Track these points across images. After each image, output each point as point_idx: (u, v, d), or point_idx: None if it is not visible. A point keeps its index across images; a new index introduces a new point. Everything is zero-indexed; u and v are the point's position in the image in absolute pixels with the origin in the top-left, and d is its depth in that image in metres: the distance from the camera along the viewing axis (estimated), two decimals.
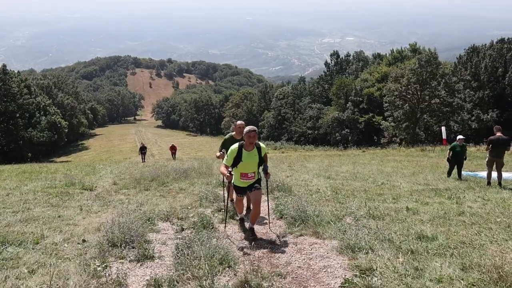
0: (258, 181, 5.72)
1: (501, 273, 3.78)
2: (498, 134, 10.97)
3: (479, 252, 4.60)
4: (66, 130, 64.65)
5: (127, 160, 34.76)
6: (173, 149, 32.17)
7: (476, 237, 5.29)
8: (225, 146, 6.60)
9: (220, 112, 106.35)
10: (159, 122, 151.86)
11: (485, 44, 44.13)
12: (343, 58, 66.32)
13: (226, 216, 6.37)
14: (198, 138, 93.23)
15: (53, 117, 58.03)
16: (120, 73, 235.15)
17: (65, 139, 67.78)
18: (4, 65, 47.31)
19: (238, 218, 6.38)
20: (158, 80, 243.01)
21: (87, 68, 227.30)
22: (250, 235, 5.57)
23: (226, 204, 6.43)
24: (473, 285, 3.66)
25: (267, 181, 5.85)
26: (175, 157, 31.13)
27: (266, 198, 6.80)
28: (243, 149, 5.46)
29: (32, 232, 5.66)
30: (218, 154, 6.98)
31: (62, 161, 43.69)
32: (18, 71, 59.95)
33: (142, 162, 25.55)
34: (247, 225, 5.99)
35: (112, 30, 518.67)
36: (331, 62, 66.05)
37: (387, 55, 58.19)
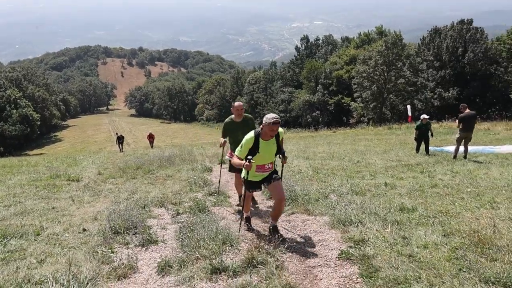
0: (275, 171, 4.98)
1: (480, 236, 4.10)
2: (467, 111, 11.38)
3: (456, 220, 4.90)
4: (39, 123, 62.95)
5: (103, 150, 34.26)
6: (150, 137, 31.09)
7: (452, 207, 5.61)
8: (227, 131, 6.22)
9: (194, 99, 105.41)
10: (133, 111, 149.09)
11: (446, 26, 45.05)
12: (313, 42, 66.56)
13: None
14: (172, 125, 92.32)
15: (24, 110, 56.28)
16: (91, 63, 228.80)
17: (38, 131, 66.05)
18: None
19: (244, 216, 5.33)
20: (130, 69, 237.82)
21: (56, 59, 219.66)
22: (274, 234, 4.73)
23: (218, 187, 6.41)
24: (457, 248, 3.95)
25: (282, 166, 5.22)
26: (153, 145, 30.22)
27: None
28: (260, 138, 4.57)
29: (31, 224, 5.64)
30: (221, 140, 6.41)
31: (36, 154, 42.63)
32: None
33: (120, 151, 25.20)
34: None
35: (79, 20, 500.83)
36: (302, 46, 66.21)
37: (355, 38, 58.78)
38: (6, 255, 4.46)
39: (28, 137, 60.48)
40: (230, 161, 5.88)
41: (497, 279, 3.26)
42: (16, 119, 50.92)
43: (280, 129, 4.70)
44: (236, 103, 6.25)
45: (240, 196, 6.26)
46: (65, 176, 10.15)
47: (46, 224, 5.65)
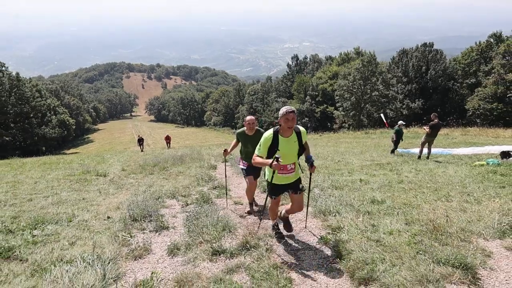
0: (299, 179, 4.06)
1: (434, 225, 4.12)
2: (436, 120, 11.37)
3: (417, 211, 4.91)
4: (74, 127, 62.84)
5: (127, 149, 34.15)
6: (167, 139, 30.46)
7: (414, 199, 5.61)
8: (239, 138, 5.44)
9: (203, 107, 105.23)
10: (152, 117, 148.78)
11: (412, 47, 45.24)
12: (302, 60, 66.47)
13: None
14: (185, 129, 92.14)
15: (62, 116, 56.20)
16: (117, 77, 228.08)
17: (73, 134, 65.84)
18: (17, 73, 45.18)
19: (274, 233, 4.27)
20: (149, 82, 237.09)
21: (88, 73, 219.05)
22: (274, 231, 4.26)
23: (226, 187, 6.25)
24: (416, 234, 3.97)
25: (310, 175, 4.20)
26: (169, 146, 29.72)
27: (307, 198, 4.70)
28: (279, 135, 3.76)
29: (64, 212, 5.65)
30: (233, 142, 5.55)
31: (72, 153, 42.56)
32: (30, 78, 57.44)
33: (141, 151, 25.12)
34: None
35: (106, 40, 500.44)
36: (292, 64, 66.11)
37: (337, 57, 58.69)
38: (44, 238, 4.48)
39: (65, 139, 60.36)
40: (243, 169, 5.43)
41: (447, 260, 3.29)
42: (55, 123, 50.80)
43: (302, 128, 3.93)
44: (248, 118, 5.29)
45: (250, 204, 5.60)
46: (95, 172, 10.14)
47: (77, 212, 5.67)
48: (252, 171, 5.34)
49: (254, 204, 5.69)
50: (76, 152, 42.84)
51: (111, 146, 52.99)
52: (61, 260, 3.71)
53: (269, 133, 3.82)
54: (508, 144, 15.43)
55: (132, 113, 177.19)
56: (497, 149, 12.83)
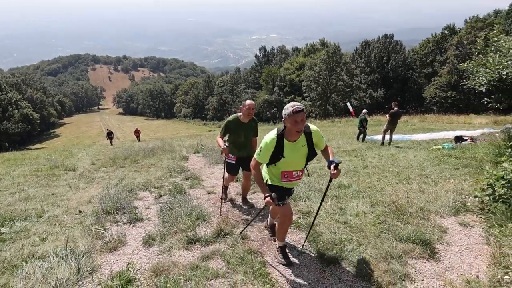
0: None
1: (397, 205, 4.33)
2: (396, 108, 11.74)
3: (380, 193, 5.13)
4: (38, 121, 59.76)
5: (96, 143, 32.94)
6: (137, 132, 29.04)
7: (378, 183, 5.84)
8: (229, 130, 4.66)
9: (172, 99, 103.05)
10: (120, 110, 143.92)
11: (374, 39, 46.40)
12: (269, 51, 66.46)
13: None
14: (155, 121, 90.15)
15: (25, 110, 53.24)
16: (82, 69, 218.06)
17: (38, 129, 62.59)
18: None
19: (277, 245, 3.44)
20: (116, 74, 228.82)
21: (51, 66, 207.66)
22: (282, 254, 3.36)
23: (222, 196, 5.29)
24: (380, 215, 4.16)
25: (330, 180, 3.24)
26: (139, 139, 28.04)
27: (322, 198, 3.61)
28: (284, 139, 2.97)
29: (33, 209, 5.41)
30: (220, 141, 4.64)
31: (38, 148, 40.52)
32: None
33: (111, 145, 24.27)
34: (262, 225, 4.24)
35: (70, 32, 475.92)
36: (260, 55, 65.98)
37: (303, 48, 59.22)
38: (13, 235, 4.29)
39: (30, 134, 57.34)
40: (230, 164, 4.86)
41: (408, 238, 3.48)
42: (18, 118, 48.12)
43: (313, 127, 3.11)
44: (248, 102, 4.59)
45: (225, 188, 5.35)
46: (63, 167, 9.73)
47: (47, 208, 5.45)
48: (241, 164, 4.85)
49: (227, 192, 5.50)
50: (42, 147, 40.81)
51: (79, 140, 50.99)
52: (33, 256, 3.58)
53: (271, 136, 2.97)
54: (461, 129, 16.32)
55: (100, 106, 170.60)
56: (452, 134, 13.54)
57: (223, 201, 5.24)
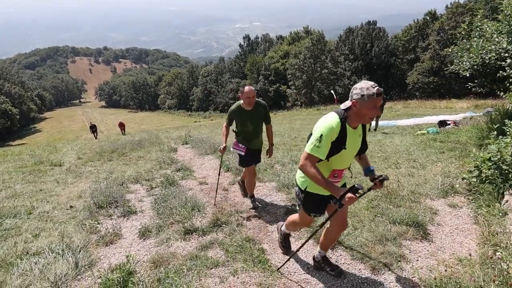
0: (344, 185, 2.85)
1: (388, 189, 4.43)
2: None
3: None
4: (18, 116, 58.07)
5: (80, 138, 32.29)
6: (121, 125, 27.89)
7: None
8: (234, 117, 4.20)
9: (156, 90, 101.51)
10: (103, 103, 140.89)
11: (357, 26, 46.54)
12: (253, 40, 66.04)
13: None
14: (139, 114, 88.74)
15: (3, 106, 51.62)
16: (61, 62, 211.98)
17: (18, 124, 60.84)
18: None
19: (283, 232, 3.30)
20: (97, 66, 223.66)
21: (28, 59, 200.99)
22: (325, 265, 2.93)
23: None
24: (373, 200, 4.25)
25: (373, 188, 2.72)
26: (124, 132, 27.17)
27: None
28: (347, 125, 2.37)
29: (22, 205, 5.30)
30: (223, 137, 4.28)
31: (18, 144, 39.47)
32: None
33: (95, 138, 23.70)
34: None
35: (47, 23, 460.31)
36: (244, 44, 65.48)
37: (287, 36, 59.00)
38: (4, 232, 4.21)
39: (9, 130, 55.70)
40: (240, 155, 4.33)
41: (402, 220, 3.58)
42: None
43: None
44: (247, 88, 4.01)
45: (252, 197, 4.65)
46: (48, 162, 9.51)
47: (36, 204, 5.34)
48: (252, 158, 4.36)
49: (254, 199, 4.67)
50: (23, 143, 39.71)
51: (61, 135, 49.85)
52: (27, 253, 3.53)
53: (334, 120, 2.33)
54: (444, 114, 16.67)
55: (81, 100, 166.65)
56: (435, 119, 13.83)
57: (250, 199, 4.66)
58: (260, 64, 53.81)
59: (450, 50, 8.13)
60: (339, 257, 3.15)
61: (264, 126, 4.37)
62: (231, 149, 4.41)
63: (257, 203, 4.65)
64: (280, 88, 49.48)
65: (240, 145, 4.29)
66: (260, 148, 4.46)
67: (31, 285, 2.93)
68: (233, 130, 4.37)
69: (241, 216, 4.23)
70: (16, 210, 5.04)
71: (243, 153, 4.28)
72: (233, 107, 4.20)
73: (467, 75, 7.44)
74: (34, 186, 6.75)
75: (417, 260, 3.01)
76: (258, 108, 4.15)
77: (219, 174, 5.01)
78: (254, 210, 4.44)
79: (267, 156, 4.53)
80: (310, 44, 39.92)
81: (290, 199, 4.68)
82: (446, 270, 2.81)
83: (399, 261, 2.98)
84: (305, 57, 40.08)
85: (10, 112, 53.59)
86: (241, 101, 4.13)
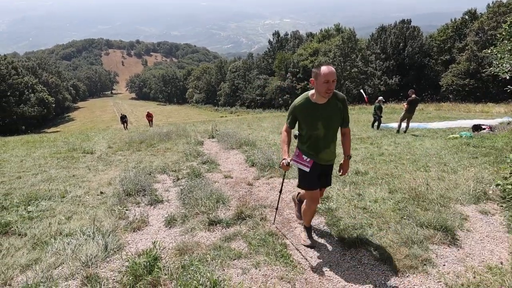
0: None
1: (416, 192, 4.32)
2: (413, 96, 11.58)
3: (398, 180, 5.11)
4: (54, 105, 60.81)
5: (110, 127, 33.41)
6: (149, 116, 27.52)
7: (395, 170, 5.82)
8: (299, 118, 3.04)
9: (184, 84, 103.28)
10: (133, 95, 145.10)
11: (391, 24, 45.31)
12: (283, 37, 65.64)
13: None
14: (167, 107, 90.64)
15: (41, 94, 54.22)
16: (95, 54, 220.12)
17: (53, 112, 63.79)
18: None
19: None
20: (129, 59, 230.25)
21: (65, 50, 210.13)
22: None
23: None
24: (399, 202, 4.17)
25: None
26: (152, 124, 27.05)
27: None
28: None
29: (56, 189, 5.58)
30: (285, 159, 3.01)
31: (53, 131, 41.37)
32: (4, 55, 54.56)
33: (125, 129, 24.23)
34: None
35: (83, 16, 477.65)
36: (273, 40, 65.23)
37: (317, 33, 58.28)
38: (39, 213, 4.45)
39: (45, 117, 58.54)
40: (302, 171, 3.09)
41: (429, 224, 3.49)
42: (34, 102, 49.05)
43: None
44: (325, 68, 2.78)
45: (309, 229, 3.45)
46: (81, 150, 9.95)
47: (69, 189, 5.60)
48: (319, 177, 3.15)
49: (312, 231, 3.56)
50: (57, 131, 41.61)
51: (93, 124, 51.77)
52: (60, 233, 3.72)
53: None
54: (479, 118, 15.99)
55: (113, 91, 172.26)
56: (469, 123, 13.30)
57: (305, 231, 3.46)
58: (288, 61, 53.49)
59: (489, 51, 7.78)
60: (362, 257, 3.11)
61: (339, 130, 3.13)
62: (291, 162, 3.07)
63: (314, 239, 3.48)
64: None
65: (304, 157, 3.05)
66: (332, 162, 3.25)
67: (63, 263, 3.10)
68: (294, 135, 3.24)
69: (264, 211, 4.27)
70: (51, 193, 5.32)
71: (307, 169, 3.04)
72: (298, 100, 3.01)
73: (507, 77, 7.10)
74: (68, 171, 7.07)
75: (444, 265, 2.93)
76: (334, 101, 2.93)
77: (280, 193, 3.82)
78: (309, 247, 3.32)
79: (340, 173, 3.32)
80: (341, 42, 39.31)
81: None
82: (474, 277, 2.72)
83: (424, 264, 2.91)
84: (335, 55, 39.54)
85: (47, 101, 56.23)
86: (310, 92, 2.97)
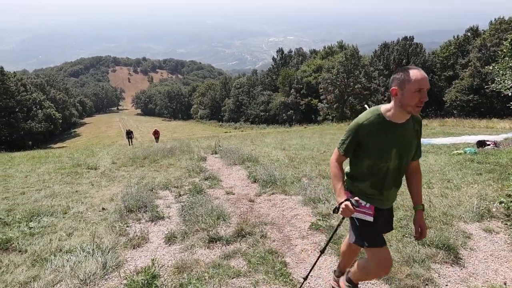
0: None
1: None
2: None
3: (401, 197, 5.02)
4: (60, 121, 61.53)
5: (115, 143, 33.57)
6: (156, 133, 27.81)
7: None
8: (363, 143, 2.18)
9: (189, 100, 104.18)
10: (139, 111, 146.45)
11: (393, 41, 45.73)
12: (286, 54, 66.40)
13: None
14: (172, 122, 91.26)
15: (48, 110, 54.99)
16: (103, 71, 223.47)
17: (60, 128, 64.47)
18: (1, 67, 43.84)
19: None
20: (135, 76, 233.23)
21: (73, 67, 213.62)
22: None
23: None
24: (401, 219, 4.11)
25: None
26: (158, 140, 26.66)
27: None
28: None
29: (59, 205, 5.59)
30: (335, 168, 2.26)
31: (59, 147, 41.68)
32: (14, 72, 55.66)
33: (130, 145, 24.34)
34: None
35: (91, 34, 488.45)
36: (277, 57, 65.99)
37: (321, 50, 58.91)
38: (41, 229, 4.45)
39: (52, 133, 59.18)
40: (362, 222, 2.23)
41: (432, 242, 3.43)
42: (41, 118, 49.75)
43: None
44: (416, 73, 1.99)
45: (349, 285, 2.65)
46: (85, 165, 9.99)
47: (71, 204, 5.61)
48: (383, 224, 2.34)
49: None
50: (63, 146, 42.04)
51: (99, 140, 52.12)
52: (60, 250, 3.71)
53: None
54: (483, 133, 15.88)
55: (119, 107, 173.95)
56: (473, 138, 13.20)
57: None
58: (292, 77, 53.93)
59: (491, 68, 7.80)
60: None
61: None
62: (358, 211, 2.20)
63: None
64: (312, 102, 49.25)
65: (363, 201, 2.21)
66: (392, 205, 2.44)
67: (62, 281, 3.08)
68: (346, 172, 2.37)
69: (265, 228, 4.23)
70: (53, 209, 5.32)
71: (370, 218, 2.22)
72: (364, 116, 2.18)
73: (510, 94, 7.10)
74: (71, 187, 7.09)
75: (447, 285, 2.87)
76: (411, 122, 2.18)
77: (322, 253, 2.65)
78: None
79: (417, 236, 2.35)
80: (344, 58, 39.65)
81: (316, 213, 4.62)
82: None
83: (426, 284, 2.86)
84: (338, 71, 39.81)
85: (53, 117, 56.97)
86: (382, 107, 2.17)
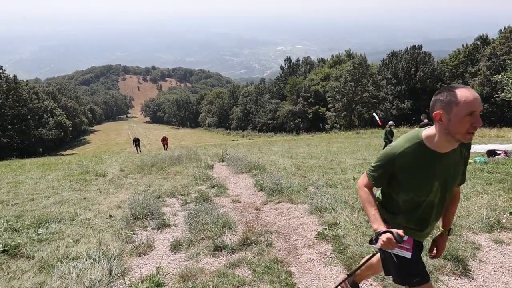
0: None
1: None
2: (426, 120, 11.53)
3: None
4: (71, 128, 62.44)
5: (124, 150, 33.85)
6: (164, 140, 27.87)
7: None
8: (402, 171, 1.83)
9: (197, 108, 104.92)
10: (147, 119, 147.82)
11: (401, 50, 45.64)
12: (294, 62, 66.68)
13: None
14: (180, 130, 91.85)
15: (59, 118, 55.92)
16: (113, 79, 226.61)
17: (70, 135, 65.38)
18: (15, 76, 44.83)
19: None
20: (145, 84, 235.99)
21: (84, 75, 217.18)
22: None
23: None
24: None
25: None
26: (166, 148, 26.76)
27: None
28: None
29: (67, 211, 5.63)
30: (365, 195, 1.98)
31: (69, 154, 42.21)
32: (27, 80, 56.84)
33: (138, 152, 24.51)
34: None
35: (102, 44, 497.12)
36: (285, 66, 66.32)
37: (329, 59, 59.04)
38: (48, 236, 4.48)
39: (62, 140, 60.03)
40: (400, 258, 1.92)
41: None
42: (52, 125, 50.60)
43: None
44: (465, 92, 1.71)
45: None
46: (94, 172, 10.06)
47: (79, 211, 5.65)
48: (420, 266, 2.01)
49: None
50: (73, 153, 42.53)
51: (108, 147, 52.65)
52: (67, 257, 3.73)
53: None
54: (494, 143, 15.65)
55: (128, 115, 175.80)
56: (484, 147, 13.00)
57: None
58: (300, 86, 54.04)
59: (500, 77, 7.72)
60: (369, 286, 3.02)
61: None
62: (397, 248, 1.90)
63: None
64: (319, 110, 49.22)
65: (405, 236, 1.88)
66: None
67: (68, 287, 3.09)
68: (377, 200, 2.10)
69: (271, 236, 4.21)
70: (61, 216, 5.37)
71: (408, 255, 1.92)
72: (401, 144, 1.86)
73: None
74: (79, 194, 7.15)
75: None
76: (458, 150, 1.88)
77: (350, 276, 2.64)
78: None
79: (430, 254, 2.25)
80: (352, 67, 39.65)
81: (322, 222, 4.59)
82: None
83: None
84: (346, 80, 39.81)
85: (64, 124, 57.87)
86: (423, 133, 1.85)
